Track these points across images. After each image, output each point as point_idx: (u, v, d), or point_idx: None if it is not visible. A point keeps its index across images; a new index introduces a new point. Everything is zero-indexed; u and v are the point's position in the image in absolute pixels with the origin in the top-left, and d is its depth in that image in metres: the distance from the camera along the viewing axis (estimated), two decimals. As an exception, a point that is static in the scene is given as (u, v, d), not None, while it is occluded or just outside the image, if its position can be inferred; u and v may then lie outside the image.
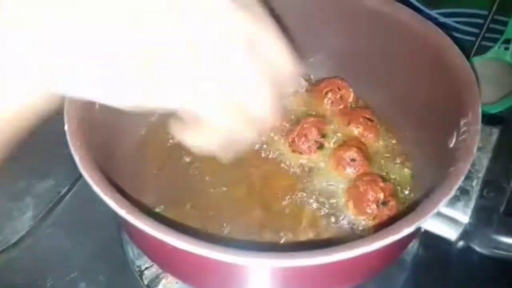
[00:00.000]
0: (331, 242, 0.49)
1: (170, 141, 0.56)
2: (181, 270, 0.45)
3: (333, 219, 0.51)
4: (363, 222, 0.50)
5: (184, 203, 0.52)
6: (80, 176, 0.38)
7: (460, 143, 0.40)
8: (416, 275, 0.54)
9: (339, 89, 0.59)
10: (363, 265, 0.41)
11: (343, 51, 0.58)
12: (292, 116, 0.58)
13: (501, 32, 0.73)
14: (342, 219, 0.51)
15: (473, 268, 0.54)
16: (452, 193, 0.36)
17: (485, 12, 0.72)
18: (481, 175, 0.40)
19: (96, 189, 0.36)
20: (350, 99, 0.59)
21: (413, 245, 0.55)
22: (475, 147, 0.38)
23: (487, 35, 0.74)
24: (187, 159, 0.55)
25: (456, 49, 0.46)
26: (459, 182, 0.36)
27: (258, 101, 0.30)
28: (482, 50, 0.75)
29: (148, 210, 0.50)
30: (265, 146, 0.56)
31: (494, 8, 0.70)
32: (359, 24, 0.55)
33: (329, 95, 0.59)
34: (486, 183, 0.39)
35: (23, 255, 0.55)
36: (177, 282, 0.52)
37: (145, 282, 0.52)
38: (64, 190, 0.60)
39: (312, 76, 0.62)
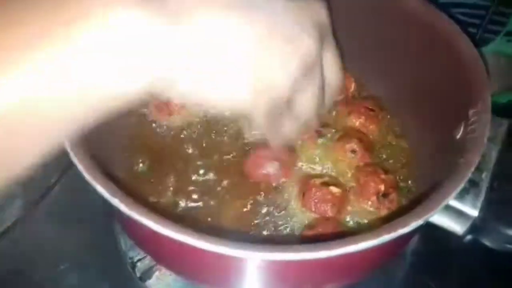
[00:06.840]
0: (332, 234, 0.48)
1: (163, 130, 0.55)
2: (176, 262, 0.43)
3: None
4: (364, 214, 0.49)
5: (176, 190, 0.50)
6: (70, 164, 0.36)
7: (469, 134, 0.39)
8: (416, 270, 0.53)
9: (340, 78, 0.58)
10: (366, 260, 0.40)
11: (347, 38, 0.56)
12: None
13: (503, 24, 0.72)
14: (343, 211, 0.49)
15: (472, 262, 0.52)
16: (462, 184, 0.34)
17: (487, 3, 0.71)
18: (491, 166, 0.38)
19: (87, 176, 0.35)
20: (352, 89, 0.58)
21: (413, 239, 0.54)
22: (486, 137, 0.37)
23: (489, 27, 0.73)
24: (181, 148, 0.54)
25: (465, 38, 0.45)
26: (470, 173, 0.35)
27: (307, 106, 0.33)
28: (483, 42, 0.73)
29: (142, 199, 0.48)
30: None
31: (497, -1, 0.69)
32: (366, 11, 0.54)
33: (330, 84, 0.58)
34: (496, 175, 0.38)
35: (11, 246, 0.53)
36: (170, 274, 0.50)
37: (138, 274, 0.50)
38: (54, 179, 0.57)
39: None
